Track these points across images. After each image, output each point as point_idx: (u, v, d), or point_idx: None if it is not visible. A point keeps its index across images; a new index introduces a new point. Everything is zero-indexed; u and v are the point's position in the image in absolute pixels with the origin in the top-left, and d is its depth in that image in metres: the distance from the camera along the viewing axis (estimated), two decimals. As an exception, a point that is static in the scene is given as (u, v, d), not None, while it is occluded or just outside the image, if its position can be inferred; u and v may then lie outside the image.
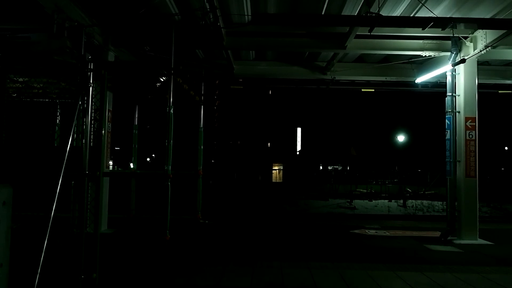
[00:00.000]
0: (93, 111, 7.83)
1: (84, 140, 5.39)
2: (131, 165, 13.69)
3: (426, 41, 9.59)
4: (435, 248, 8.45)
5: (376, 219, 16.57)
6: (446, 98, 9.31)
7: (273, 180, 43.13)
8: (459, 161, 9.24)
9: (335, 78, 11.74)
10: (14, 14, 8.56)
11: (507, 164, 41.24)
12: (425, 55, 9.71)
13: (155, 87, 9.32)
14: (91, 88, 5.46)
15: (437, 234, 9.87)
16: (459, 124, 9.24)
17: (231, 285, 5.86)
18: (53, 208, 4.58)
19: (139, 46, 9.93)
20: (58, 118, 11.11)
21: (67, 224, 7.11)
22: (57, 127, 11.07)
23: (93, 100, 7.46)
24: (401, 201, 24.60)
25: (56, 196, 4.65)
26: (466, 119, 9.18)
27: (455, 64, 8.84)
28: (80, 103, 5.64)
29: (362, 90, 12.66)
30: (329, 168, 43.84)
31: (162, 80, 9.27)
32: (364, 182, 33.69)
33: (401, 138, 30.28)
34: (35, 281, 4.19)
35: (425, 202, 24.75)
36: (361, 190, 30.07)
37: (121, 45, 9.80)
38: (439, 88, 12.22)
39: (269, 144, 48.34)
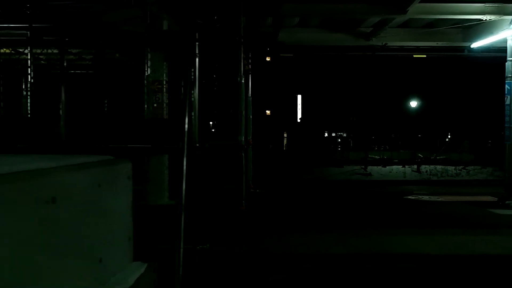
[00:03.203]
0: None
1: (193, 113, 5.30)
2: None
3: (487, 5, 9.41)
4: (500, 212, 8.61)
5: (397, 184, 16.72)
6: (506, 63, 9.25)
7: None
8: (517, 127, 9.29)
9: (386, 44, 11.57)
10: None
11: None
12: (486, 19, 9.57)
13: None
14: (197, 59, 5.30)
15: (488, 198, 10.08)
16: (519, 89, 9.23)
17: (330, 252, 5.93)
18: (183, 182, 4.51)
19: (191, 15, 9.63)
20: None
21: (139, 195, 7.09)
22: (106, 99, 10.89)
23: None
24: (415, 166, 24.86)
25: (184, 170, 4.57)
26: (527, 83, 9.16)
27: (521, 28, 8.75)
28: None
29: (414, 56, 12.54)
30: (333, 135, 43.97)
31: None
32: (373, 149, 33.87)
33: (413, 104, 30.33)
34: (180, 254, 4.16)
35: (438, 167, 25.04)
36: (374, 156, 30.29)
37: (173, 14, 9.51)
38: (490, 53, 12.12)
39: (271, 112, 48.07)
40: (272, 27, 11.12)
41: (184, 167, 4.74)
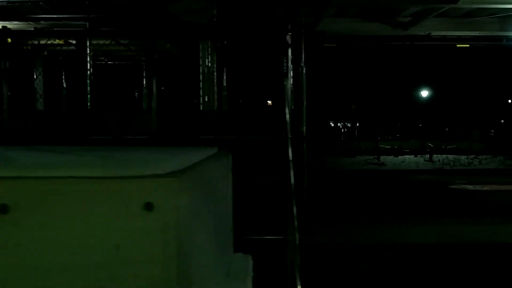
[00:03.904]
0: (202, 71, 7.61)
1: (286, 103, 5.27)
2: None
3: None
4: None
5: (419, 173, 16.83)
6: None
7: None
8: None
9: (430, 34, 11.54)
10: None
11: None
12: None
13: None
14: (290, 50, 5.25)
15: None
16: None
17: (411, 242, 5.99)
18: (291, 173, 4.52)
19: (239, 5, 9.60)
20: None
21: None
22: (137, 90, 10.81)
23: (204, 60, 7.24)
24: (427, 156, 25.00)
25: (291, 161, 4.57)
26: None
27: None
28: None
29: (457, 45, 12.56)
30: (339, 125, 44.06)
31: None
32: (378, 139, 33.91)
33: (421, 93, 30.51)
34: (296, 245, 4.19)
35: (450, 156, 25.18)
36: (384, 146, 30.42)
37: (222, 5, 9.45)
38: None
39: (272, 102, 47.87)
40: (311, 16, 11.05)
41: (291, 157, 4.77)
